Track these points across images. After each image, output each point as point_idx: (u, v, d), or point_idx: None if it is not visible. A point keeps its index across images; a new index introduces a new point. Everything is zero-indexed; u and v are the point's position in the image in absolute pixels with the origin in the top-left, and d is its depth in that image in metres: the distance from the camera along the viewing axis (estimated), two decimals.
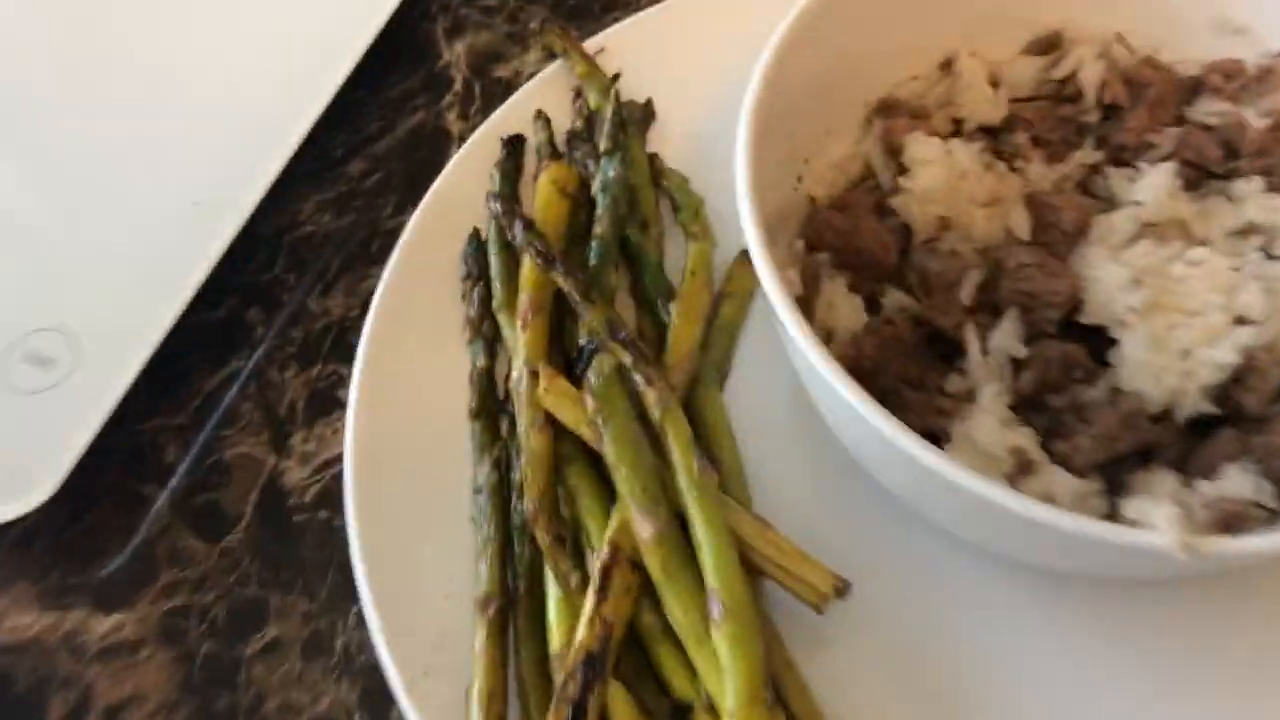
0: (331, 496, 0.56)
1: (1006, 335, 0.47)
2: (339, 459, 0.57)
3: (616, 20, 0.66)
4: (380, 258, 0.63)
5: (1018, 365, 0.47)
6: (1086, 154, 0.54)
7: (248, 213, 0.60)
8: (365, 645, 0.53)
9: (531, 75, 0.68)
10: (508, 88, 0.69)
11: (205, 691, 0.52)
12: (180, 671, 0.53)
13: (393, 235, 0.63)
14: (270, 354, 0.60)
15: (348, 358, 0.60)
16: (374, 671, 0.52)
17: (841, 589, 0.47)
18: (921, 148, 0.50)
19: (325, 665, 0.52)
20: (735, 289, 0.57)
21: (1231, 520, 0.40)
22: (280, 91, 0.63)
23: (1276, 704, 0.47)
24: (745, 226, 0.46)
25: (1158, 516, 0.39)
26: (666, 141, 0.62)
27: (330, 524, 0.56)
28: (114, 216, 0.60)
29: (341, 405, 0.59)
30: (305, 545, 0.55)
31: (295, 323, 0.61)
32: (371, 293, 0.61)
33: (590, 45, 0.64)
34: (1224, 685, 0.47)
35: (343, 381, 0.59)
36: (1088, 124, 0.55)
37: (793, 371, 0.52)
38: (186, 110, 0.63)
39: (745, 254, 0.58)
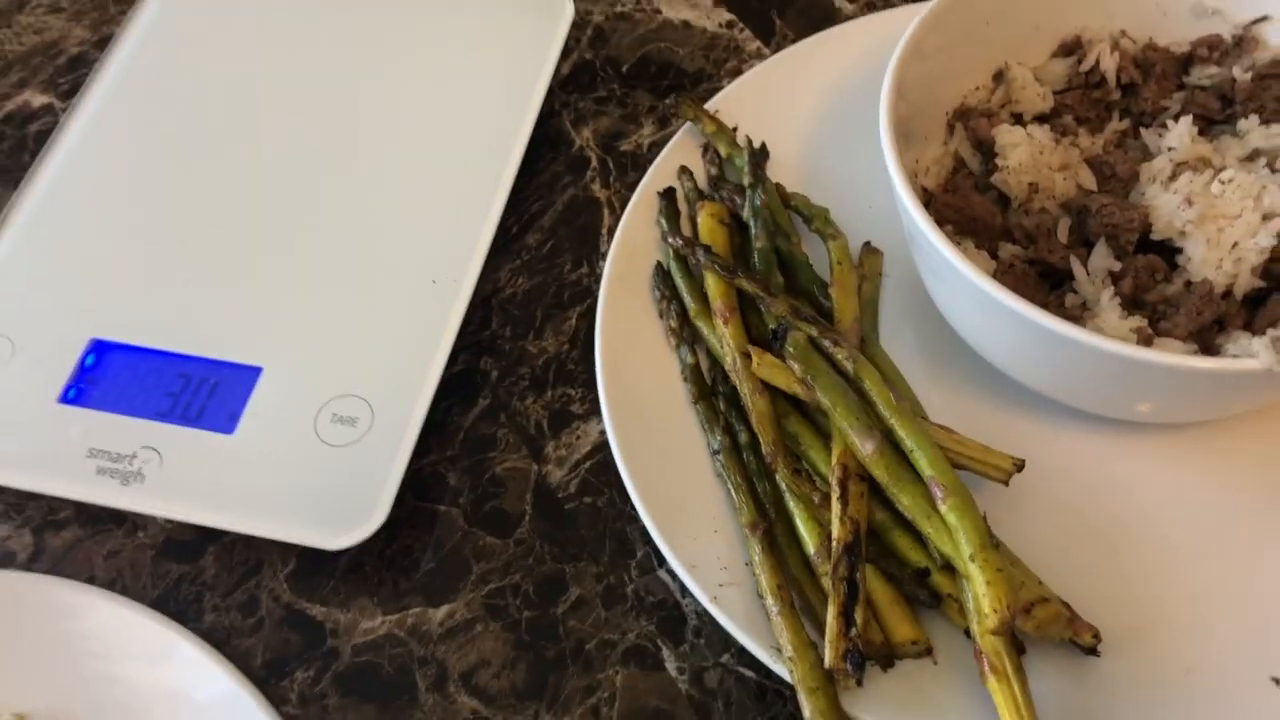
0: (590, 485, 0.71)
1: (1101, 257, 0.63)
2: (587, 457, 0.72)
3: (708, 89, 0.82)
4: (572, 304, 0.79)
5: (1115, 279, 0.63)
6: (1117, 124, 0.71)
7: (472, 285, 0.75)
8: (651, 587, 0.67)
9: (650, 145, 0.84)
10: (634, 157, 0.85)
11: (535, 646, 0.66)
12: (511, 636, 0.67)
13: (577, 286, 0.79)
14: (509, 390, 0.75)
15: (570, 381, 0.75)
16: (662, 606, 0.67)
17: (1020, 465, 0.62)
18: (1009, 135, 0.67)
19: (623, 609, 0.67)
20: (869, 272, 0.73)
21: None
22: (472, 189, 0.79)
23: None
24: (897, 186, 0.61)
25: (1255, 348, 0.55)
26: (780, 173, 0.78)
27: (594, 505, 0.70)
28: (378, 299, 0.75)
29: (576, 417, 0.74)
30: (580, 525, 0.70)
31: (520, 363, 0.76)
32: (573, 331, 0.77)
33: (707, 109, 0.80)
34: None
35: (572, 400, 0.75)
36: (1114, 101, 0.72)
37: (923, 328, 0.68)
38: (412, 209, 0.79)
39: (869, 245, 0.74)
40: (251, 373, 0.73)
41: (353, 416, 0.71)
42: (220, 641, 0.67)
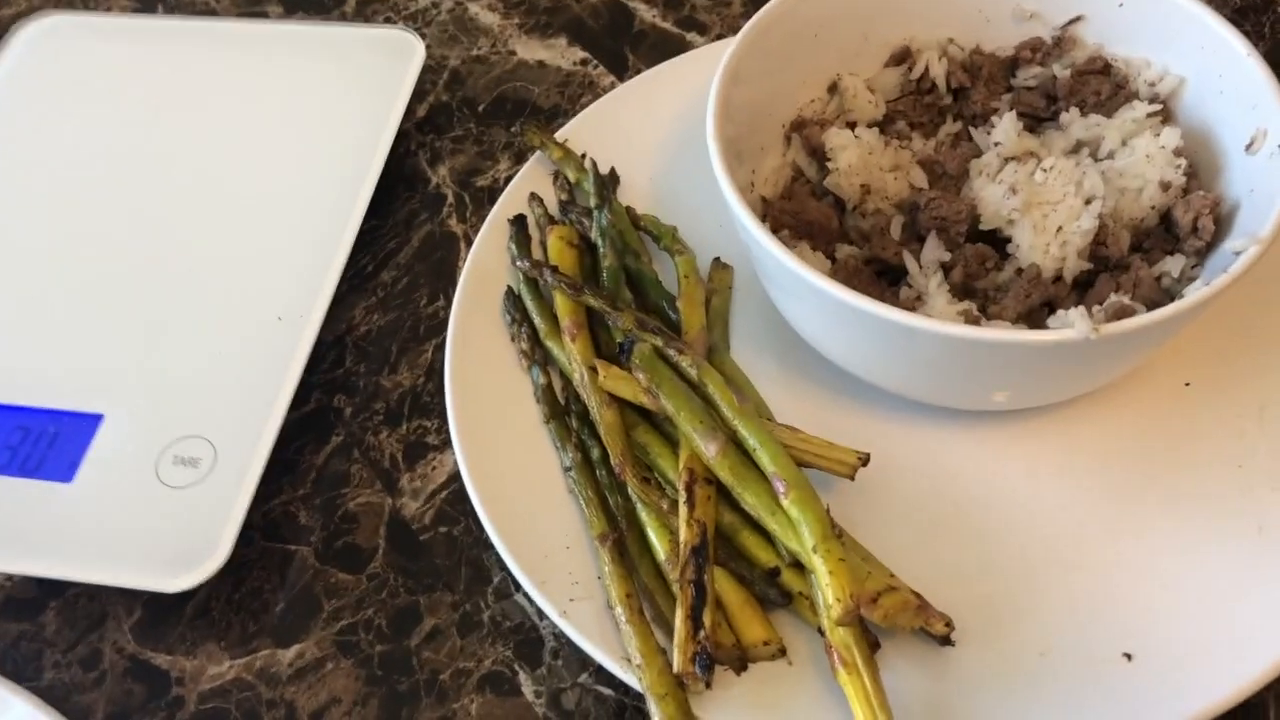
0: (446, 515, 0.70)
1: (933, 249, 0.64)
2: (443, 487, 0.71)
3: (563, 124, 0.83)
4: (428, 337, 0.78)
5: (946, 269, 0.64)
6: (950, 126, 0.72)
7: (318, 323, 0.74)
8: (508, 612, 0.66)
9: (506, 179, 0.84)
10: (490, 192, 0.85)
11: (387, 681, 0.64)
12: (363, 672, 0.64)
13: (433, 319, 0.79)
14: (362, 425, 0.74)
15: (425, 413, 0.74)
16: (519, 630, 0.65)
17: (865, 459, 0.62)
18: (837, 137, 0.68)
19: (479, 636, 0.65)
20: (718, 285, 0.73)
21: (1121, 313, 0.57)
22: (320, 228, 0.78)
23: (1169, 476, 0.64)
24: (729, 200, 0.62)
25: (1072, 318, 0.55)
26: (631, 196, 0.79)
27: (450, 534, 0.69)
28: (222, 339, 0.74)
29: (432, 448, 0.73)
30: (436, 555, 0.68)
31: (375, 398, 0.75)
32: (429, 364, 0.76)
33: (557, 138, 0.81)
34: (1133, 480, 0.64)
35: (427, 431, 0.73)
36: (945, 106, 0.74)
37: (774, 337, 0.69)
38: (257, 248, 0.78)
39: (718, 260, 0.75)
40: (92, 420, 0.71)
41: (195, 458, 0.69)
42: (59, 698, 0.65)
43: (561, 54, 0.94)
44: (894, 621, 0.57)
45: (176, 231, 0.80)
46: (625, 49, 0.94)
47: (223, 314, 0.75)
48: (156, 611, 0.67)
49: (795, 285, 0.60)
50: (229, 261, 0.78)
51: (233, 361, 0.73)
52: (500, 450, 0.67)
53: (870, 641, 0.57)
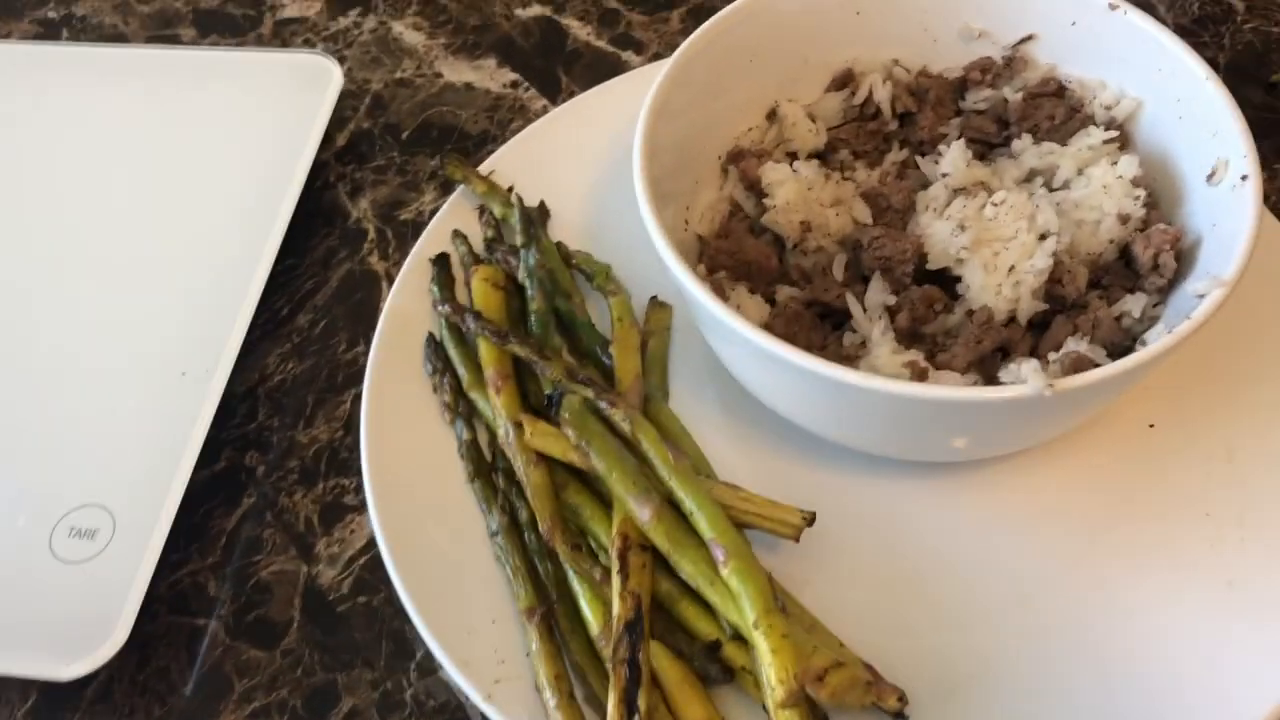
0: (365, 583, 0.65)
1: (877, 291, 0.60)
2: (362, 552, 0.66)
3: (492, 151, 0.78)
4: (346, 386, 0.73)
5: (893, 313, 0.60)
6: (896, 154, 0.68)
7: (226, 376, 0.69)
8: (431, 690, 0.61)
9: (432, 212, 0.80)
10: (415, 226, 0.80)
11: None
12: None
13: (352, 366, 0.74)
14: (276, 485, 0.69)
15: (344, 471, 0.69)
16: (444, 709, 0.61)
17: (810, 518, 0.58)
18: (774, 172, 0.64)
19: (401, 717, 0.60)
20: (655, 326, 0.69)
21: (1078, 365, 0.53)
22: (228, 273, 0.73)
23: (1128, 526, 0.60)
24: (659, 247, 0.57)
25: (1024, 373, 0.51)
26: (563, 230, 0.74)
27: (370, 605, 0.64)
28: (119, 397, 0.68)
29: (350, 510, 0.68)
30: (354, 627, 0.63)
31: (290, 455, 0.70)
32: (347, 415, 0.71)
33: (482, 170, 0.76)
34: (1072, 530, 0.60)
35: (346, 490, 0.68)
36: (891, 132, 0.70)
37: (715, 381, 0.64)
38: (158, 298, 0.73)
39: (655, 299, 0.70)
40: None
41: (92, 528, 0.64)
42: None
43: (490, 76, 0.89)
44: (842, 700, 0.53)
45: (70, 277, 0.74)
46: (558, 70, 0.89)
47: (121, 369, 0.69)
48: (53, 697, 0.62)
49: (731, 337, 0.56)
50: (128, 310, 0.72)
51: (132, 421, 0.67)
52: (420, 513, 0.62)
53: (819, 718, 0.53)
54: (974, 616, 0.58)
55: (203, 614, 0.65)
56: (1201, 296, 0.53)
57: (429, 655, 0.62)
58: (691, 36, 0.65)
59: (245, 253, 0.74)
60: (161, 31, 0.96)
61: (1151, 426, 0.63)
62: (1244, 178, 0.56)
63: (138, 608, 0.61)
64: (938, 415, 0.52)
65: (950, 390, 0.50)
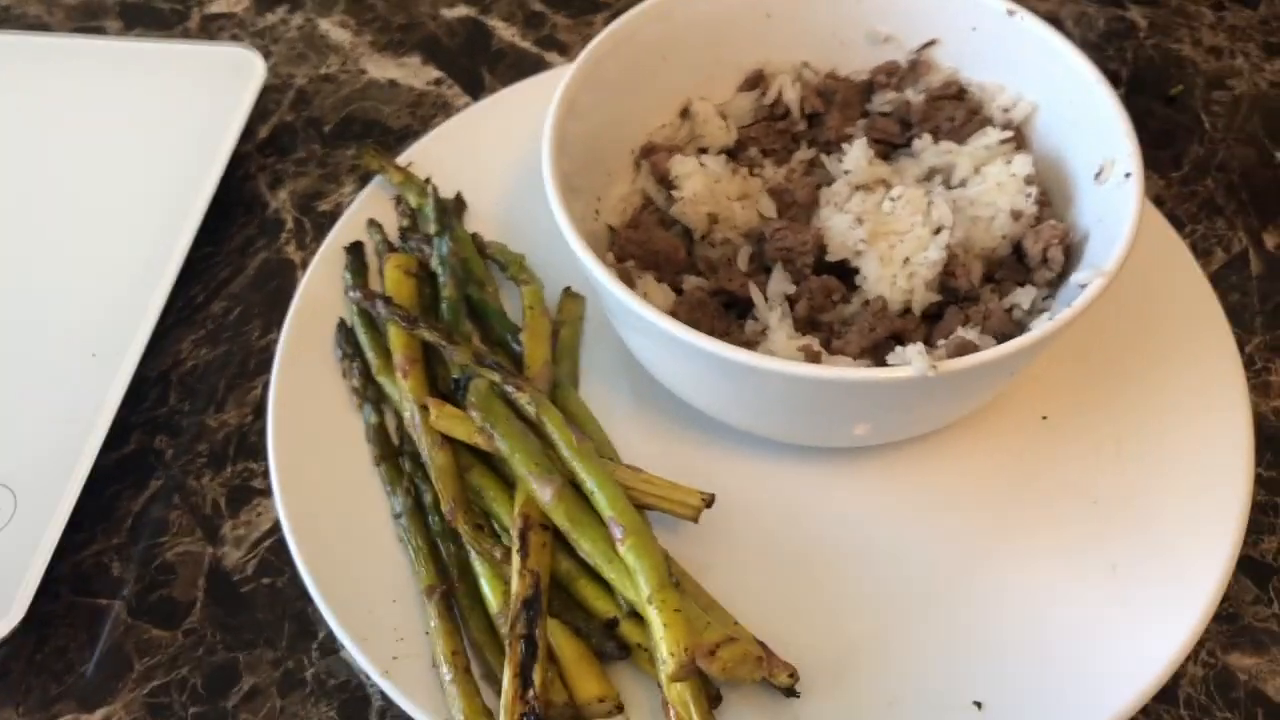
0: (270, 565, 0.65)
1: (778, 281, 0.61)
2: (268, 535, 0.66)
3: (412, 142, 0.79)
4: (258, 372, 0.73)
5: (793, 302, 0.61)
6: (803, 153, 0.70)
7: (136, 359, 0.69)
8: (332, 669, 0.61)
9: (350, 203, 0.80)
10: (333, 217, 0.80)
11: None
12: None
13: (265, 352, 0.74)
14: (184, 468, 0.69)
15: (253, 455, 0.69)
16: (345, 689, 0.61)
17: (709, 500, 0.59)
18: (682, 164, 0.65)
19: (301, 695, 0.60)
20: (567, 317, 0.70)
21: (963, 350, 0.55)
22: (143, 256, 0.73)
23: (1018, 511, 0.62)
24: (566, 235, 0.58)
25: (909, 355, 0.53)
26: (480, 222, 0.75)
27: (274, 586, 0.64)
28: (28, 376, 0.68)
29: (258, 493, 0.68)
30: (257, 608, 0.63)
31: (199, 439, 0.70)
32: (258, 401, 0.71)
33: (400, 162, 0.76)
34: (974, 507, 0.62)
35: (254, 475, 0.68)
36: (799, 132, 0.71)
37: (628, 371, 0.65)
38: (72, 278, 0.72)
39: (569, 290, 0.71)
40: None
41: None
42: None
43: (415, 73, 0.90)
44: (734, 674, 0.54)
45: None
46: (482, 69, 0.90)
47: (29, 349, 0.69)
48: None
49: (635, 321, 0.57)
50: (40, 292, 0.72)
51: (38, 401, 0.67)
52: (326, 495, 0.63)
53: (711, 694, 0.54)
54: (866, 598, 0.59)
55: (105, 594, 0.64)
56: (1084, 286, 0.55)
57: (331, 636, 0.62)
58: (600, 35, 0.66)
59: (162, 238, 0.74)
60: (87, 24, 0.95)
61: (1045, 418, 0.65)
62: (1127, 175, 0.58)
63: (35, 587, 0.61)
64: (827, 395, 0.54)
65: (838, 370, 0.52)
